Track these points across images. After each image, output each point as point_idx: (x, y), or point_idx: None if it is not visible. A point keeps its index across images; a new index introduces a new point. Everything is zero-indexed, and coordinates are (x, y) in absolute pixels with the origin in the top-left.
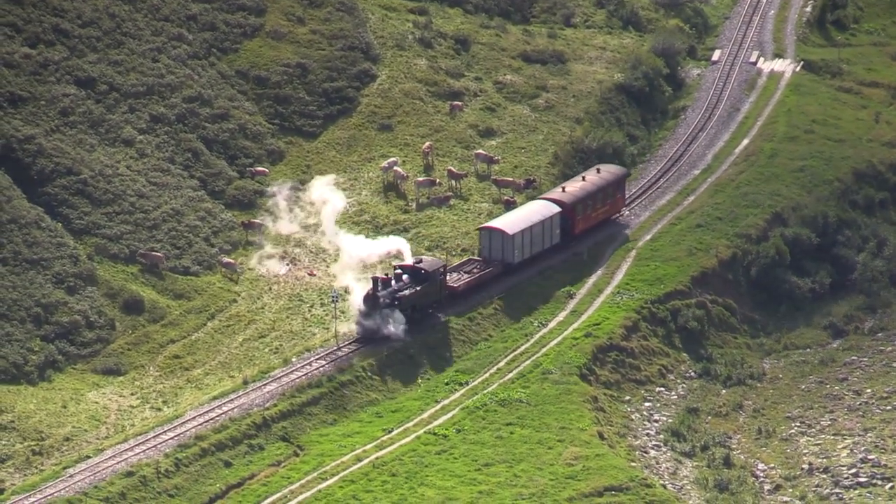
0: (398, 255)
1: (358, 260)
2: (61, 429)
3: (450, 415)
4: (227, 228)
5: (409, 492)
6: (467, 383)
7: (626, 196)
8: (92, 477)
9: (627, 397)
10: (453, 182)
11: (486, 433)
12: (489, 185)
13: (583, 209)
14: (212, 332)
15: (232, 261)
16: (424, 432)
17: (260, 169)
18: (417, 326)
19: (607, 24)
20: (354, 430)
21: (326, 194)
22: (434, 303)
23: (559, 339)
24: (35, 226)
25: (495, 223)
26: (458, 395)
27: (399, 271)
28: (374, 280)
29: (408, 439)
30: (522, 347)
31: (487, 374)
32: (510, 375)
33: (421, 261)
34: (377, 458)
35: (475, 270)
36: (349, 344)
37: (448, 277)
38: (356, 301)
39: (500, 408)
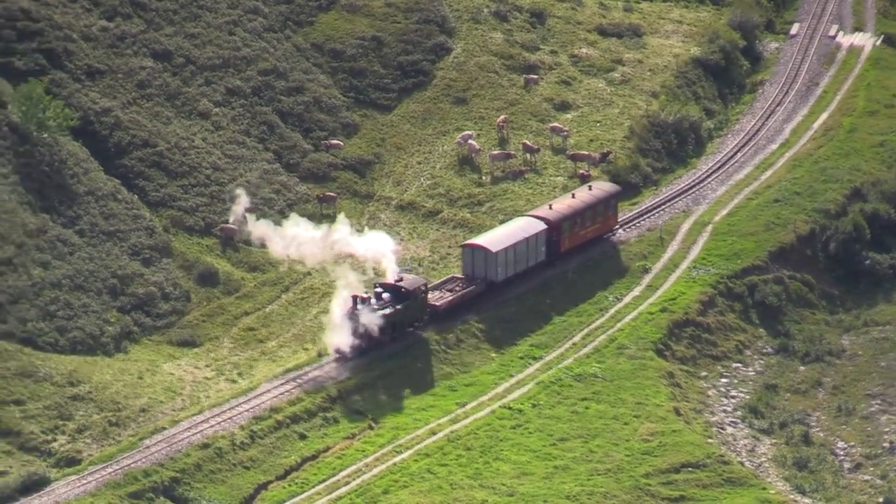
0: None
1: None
2: (137, 400)
3: (525, 389)
4: (301, 201)
5: (483, 466)
6: (542, 358)
7: (704, 172)
8: (168, 448)
9: (704, 373)
10: (528, 156)
11: (562, 408)
12: (564, 159)
13: (570, 227)
14: (286, 305)
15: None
16: (499, 406)
17: (335, 142)
18: (396, 344)
19: None
20: (429, 404)
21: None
22: (415, 321)
23: (635, 313)
24: (112, 198)
25: (478, 240)
26: (532, 369)
27: (379, 289)
28: (354, 298)
29: (482, 413)
30: (597, 322)
31: (562, 349)
32: (585, 350)
33: (402, 279)
34: (452, 432)
35: (457, 288)
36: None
37: (430, 295)
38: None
39: (576, 383)
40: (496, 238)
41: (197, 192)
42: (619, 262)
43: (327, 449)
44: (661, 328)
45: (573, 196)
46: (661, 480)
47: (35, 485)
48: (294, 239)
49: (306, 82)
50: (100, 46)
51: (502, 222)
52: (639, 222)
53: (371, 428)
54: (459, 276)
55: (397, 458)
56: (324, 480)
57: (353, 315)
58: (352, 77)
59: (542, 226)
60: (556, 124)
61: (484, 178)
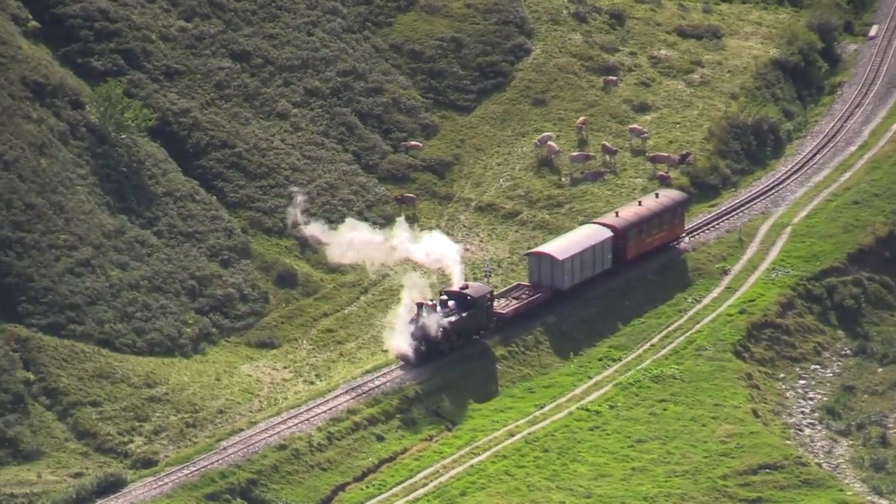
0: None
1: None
2: (215, 401)
3: (603, 391)
4: (380, 202)
5: (561, 467)
6: (620, 359)
7: (783, 174)
8: (245, 450)
9: (782, 375)
10: (607, 157)
11: (640, 409)
12: (643, 161)
13: (636, 234)
14: (364, 307)
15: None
16: (577, 408)
17: (414, 143)
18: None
19: None
20: (507, 406)
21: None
22: (480, 330)
23: (713, 315)
24: (190, 199)
25: (544, 248)
26: (611, 370)
27: (445, 297)
28: (419, 305)
29: (560, 415)
30: (676, 323)
31: (641, 350)
32: (664, 352)
33: (467, 286)
34: (529, 434)
35: (524, 296)
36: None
37: (496, 303)
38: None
39: (654, 384)
40: (562, 246)
41: (276, 194)
42: (686, 270)
43: (405, 451)
44: (740, 330)
45: (640, 203)
46: (738, 482)
47: (112, 486)
48: (350, 243)
49: (385, 83)
50: (178, 47)
51: (582, 223)
52: (717, 224)
53: (449, 430)
54: (525, 283)
55: (475, 460)
56: (401, 482)
57: (417, 322)
58: (431, 78)
59: (608, 233)
60: (635, 126)
61: (563, 179)
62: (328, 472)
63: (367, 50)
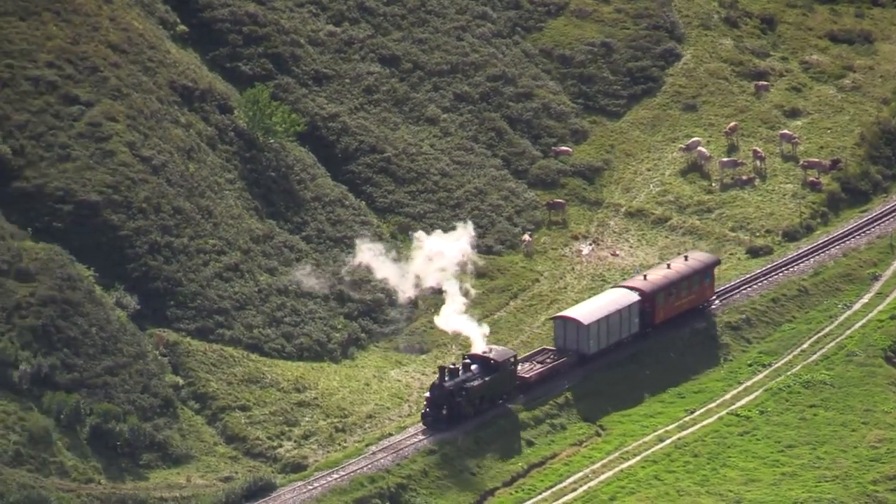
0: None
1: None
2: (364, 406)
3: (753, 396)
4: (529, 208)
5: (711, 473)
6: (770, 365)
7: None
8: (394, 454)
9: None
10: (757, 163)
11: (790, 415)
12: (794, 166)
13: (664, 298)
14: (514, 312)
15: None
16: (727, 413)
17: (563, 148)
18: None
19: None
20: (657, 411)
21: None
22: (504, 394)
23: (864, 321)
24: (339, 204)
25: (570, 312)
26: (761, 376)
27: (468, 361)
28: (441, 370)
29: (710, 420)
30: (827, 329)
31: (791, 356)
32: (814, 357)
33: (491, 350)
34: (679, 439)
35: (548, 360)
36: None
37: (520, 367)
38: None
39: (804, 389)
40: (588, 310)
41: (424, 199)
42: (850, 269)
43: (554, 456)
44: (891, 335)
45: (668, 266)
46: (888, 487)
47: (261, 490)
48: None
49: (535, 88)
50: (327, 51)
51: (733, 229)
52: (869, 230)
53: (598, 435)
54: (550, 347)
55: (624, 465)
56: (550, 487)
57: (440, 387)
58: (581, 83)
59: (635, 297)
60: (785, 131)
61: (713, 185)
62: (477, 476)
63: (517, 55)
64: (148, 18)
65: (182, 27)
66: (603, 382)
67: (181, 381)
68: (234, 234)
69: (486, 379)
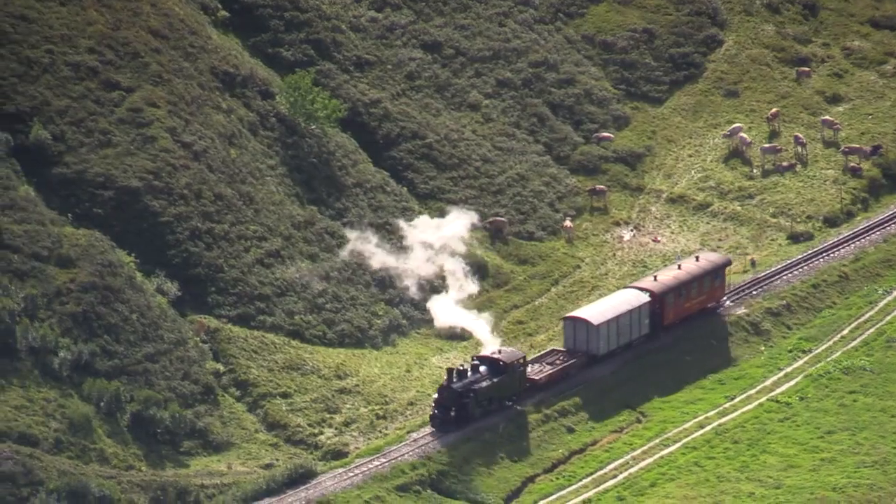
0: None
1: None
2: (405, 393)
3: (793, 382)
4: (571, 194)
5: (751, 459)
6: (810, 351)
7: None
8: (435, 441)
9: None
10: (799, 149)
11: (830, 401)
12: (835, 152)
13: (674, 298)
14: (555, 298)
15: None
16: (767, 400)
17: (605, 134)
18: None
19: None
20: (697, 398)
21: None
22: (513, 395)
23: None
24: (380, 190)
25: (580, 313)
26: (801, 362)
27: (476, 362)
28: (450, 371)
29: (750, 406)
30: (867, 315)
31: (831, 342)
32: (854, 343)
33: (500, 352)
34: (719, 425)
35: (558, 362)
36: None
37: (529, 369)
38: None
39: (844, 376)
40: (598, 311)
41: (466, 185)
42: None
43: (595, 442)
44: None
45: (679, 267)
46: None
47: (302, 477)
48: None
49: (577, 74)
50: (368, 37)
51: (774, 215)
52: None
53: (639, 421)
54: (560, 349)
55: (665, 452)
56: (591, 473)
57: (448, 388)
58: (623, 69)
59: (645, 298)
60: (827, 117)
61: (755, 171)
62: (518, 463)
63: (559, 41)
64: (189, 4)
65: (223, 13)
66: (644, 369)
67: (222, 368)
68: (276, 220)
69: (495, 380)
